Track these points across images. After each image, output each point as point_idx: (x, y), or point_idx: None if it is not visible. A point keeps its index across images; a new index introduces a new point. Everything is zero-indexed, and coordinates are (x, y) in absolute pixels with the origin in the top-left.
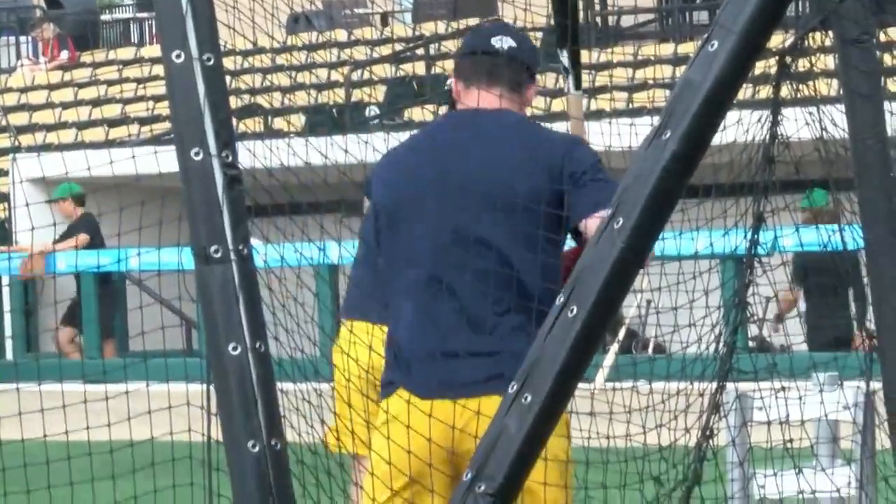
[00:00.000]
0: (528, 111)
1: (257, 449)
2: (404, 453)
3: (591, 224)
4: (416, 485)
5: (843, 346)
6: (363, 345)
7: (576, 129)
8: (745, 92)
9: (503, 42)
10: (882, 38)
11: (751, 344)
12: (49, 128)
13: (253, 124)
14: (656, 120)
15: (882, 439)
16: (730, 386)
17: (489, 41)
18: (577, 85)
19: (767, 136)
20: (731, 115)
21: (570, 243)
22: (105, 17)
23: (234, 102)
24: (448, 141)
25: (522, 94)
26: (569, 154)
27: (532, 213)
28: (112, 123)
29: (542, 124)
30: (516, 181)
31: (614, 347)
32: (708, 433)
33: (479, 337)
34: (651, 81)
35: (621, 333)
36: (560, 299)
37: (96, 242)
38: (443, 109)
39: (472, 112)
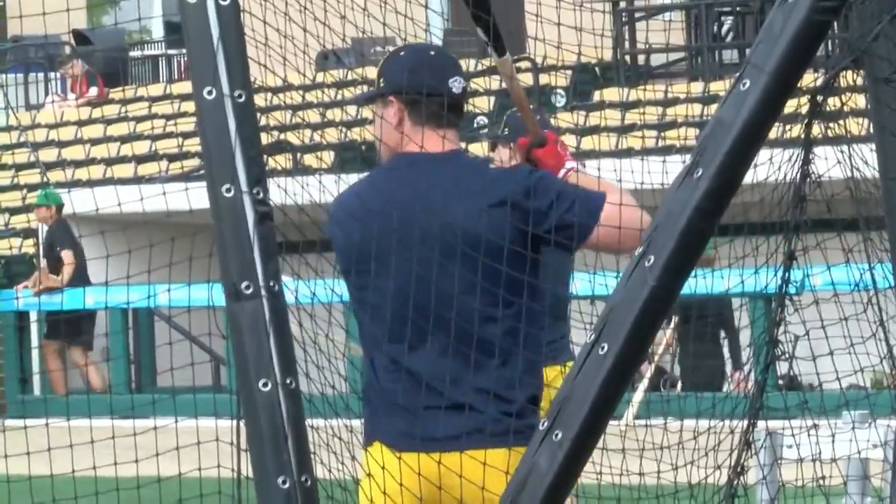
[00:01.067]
0: None
1: (287, 485)
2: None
3: (601, 233)
4: None
5: (717, 386)
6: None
7: (517, 93)
8: (776, 131)
9: (459, 84)
10: None
11: (780, 382)
12: (78, 164)
13: (283, 161)
14: (687, 158)
15: None
16: (760, 423)
17: (446, 82)
18: (501, 52)
19: (799, 175)
20: (762, 154)
21: None
22: (134, 53)
23: (264, 139)
24: (406, 189)
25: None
26: (529, 191)
27: (500, 259)
28: (141, 160)
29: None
30: (481, 229)
31: (643, 384)
32: (739, 470)
33: (451, 391)
34: (681, 120)
35: (650, 371)
36: (591, 336)
37: (77, 254)
38: (474, 146)
39: (423, 157)
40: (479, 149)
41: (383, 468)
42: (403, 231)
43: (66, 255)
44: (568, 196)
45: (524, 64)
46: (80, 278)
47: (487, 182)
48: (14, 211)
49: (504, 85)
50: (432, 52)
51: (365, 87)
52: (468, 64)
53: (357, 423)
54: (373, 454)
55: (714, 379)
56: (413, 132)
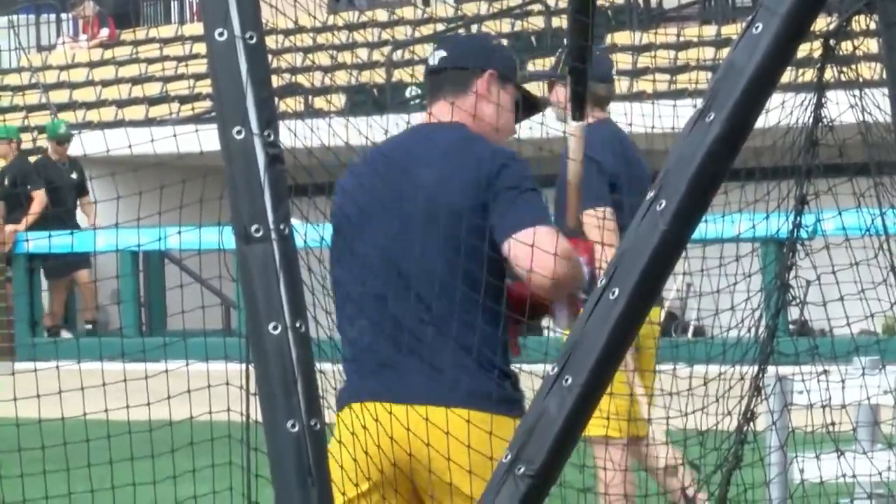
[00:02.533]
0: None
1: (297, 429)
2: (358, 459)
3: (512, 247)
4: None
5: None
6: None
7: (574, 168)
8: (788, 75)
9: (435, 57)
10: None
11: (791, 327)
12: (89, 105)
13: (294, 104)
14: (699, 102)
15: None
16: (771, 369)
17: (427, 60)
18: (579, 118)
19: (811, 119)
20: (775, 98)
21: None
22: None
23: (275, 81)
24: (396, 156)
25: (469, 92)
26: (497, 171)
27: (458, 229)
28: (153, 101)
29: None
30: (446, 197)
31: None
32: (749, 416)
33: (420, 351)
34: (693, 63)
35: (661, 316)
36: (602, 281)
37: (50, 193)
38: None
39: (423, 126)
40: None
41: (352, 433)
42: (384, 198)
43: (38, 196)
44: (513, 199)
45: (537, 6)
46: (59, 221)
47: (467, 156)
48: (25, 153)
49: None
50: None
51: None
52: (478, 7)
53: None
54: (342, 419)
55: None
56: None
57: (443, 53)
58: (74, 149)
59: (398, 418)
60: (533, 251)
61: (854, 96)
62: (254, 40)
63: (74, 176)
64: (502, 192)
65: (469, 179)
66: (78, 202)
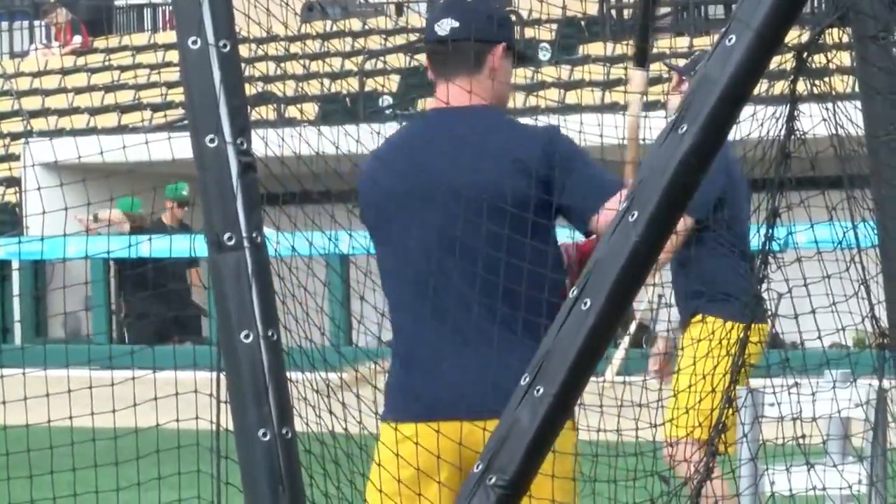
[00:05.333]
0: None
1: (268, 437)
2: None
3: (602, 218)
4: None
5: None
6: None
7: (631, 106)
8: (760, 87)
9: (444, 27)
10: None
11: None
12: (62, 112)
13: (266, 112)
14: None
15: (893, 437)
16: (742, 382)
17: (433, 29)
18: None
19: (783, 132)
20: (746, 110)
21: (579, 237)
22: (119, 2)
23: (247, 90)
24: (427, 144)
25: (483, 68)
26: (547, 151)
27: (510, 216)
28: (125, 109)
29: (518, 120)
30: (492, 184)
31: (625, 342)
32: (720, 428)
33: (471, 349)
34: (666, 75)
35: (632, 327)
36: (574, 292)
37: None
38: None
39: (447, 112)
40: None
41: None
42: (423, 188)
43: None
44: (583, 174)
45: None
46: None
47: (508, 140)
48: None
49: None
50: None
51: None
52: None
53: (333, 377)
54: (401, 430)
55: None
56: (439, 84)
57: (454, 23)
58: (45, 155)
59: (463, 437)
60: None
61: (827, 109)
62: (227, 48)
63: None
64: (568, 170)
65: (522, 162)
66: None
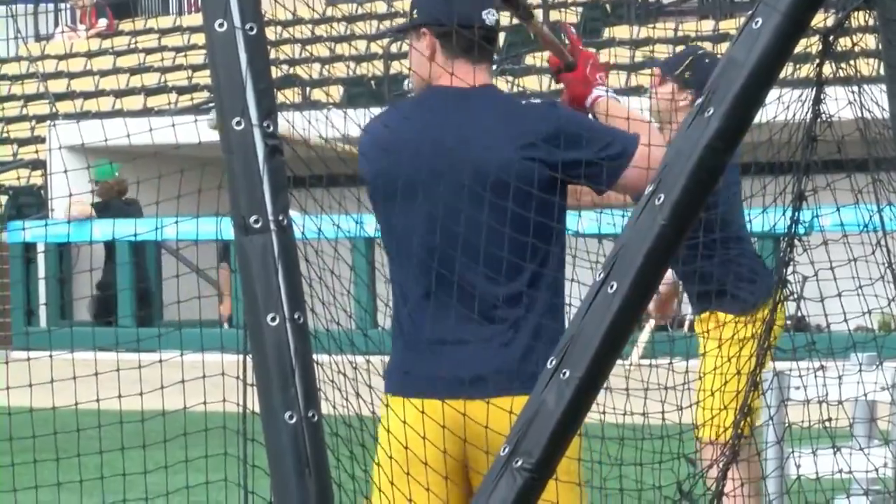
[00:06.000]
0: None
1: (294, 420)
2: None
3: (629, 175)
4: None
5: None
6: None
7: (538, 30)
8: (786, 70)
9: (493, 16)
10: None
11: (788, 322)
12: (87, 95)
13: (292, 95)
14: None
15: None
16: (768, 364)
17: (479, 14)
18: (527, 17)
19: (810, 115)
20: (772, 93)
21: None
22: None
23: (273, 73)
24: (436, 122)
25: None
26: (557, 132)
27: (527, 203)
28: (151, 92)
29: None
30: (508, 168)
31: (650, 324)
32: (746, 411)
33: (483, 326)
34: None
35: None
36: (600, 275)
37: None
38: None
39: (455, 91)
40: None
41: (404, 422)
42: (433, 164)
43: None
44: (597, 137)
45: (534, 0)
46: None
47: (516, 119)
48: (23, 142)
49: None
50: None
51: (375, 23)
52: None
53: (361, 360)
54: (393, 406)
55: None
56: (445, 64)
57: (496, 16)
58: (71, 138)
59: (469, 415)
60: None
61: (852, 92)
62: (254, 31)
63: None
64: (586, 139)
65: (526, 138)
66: None
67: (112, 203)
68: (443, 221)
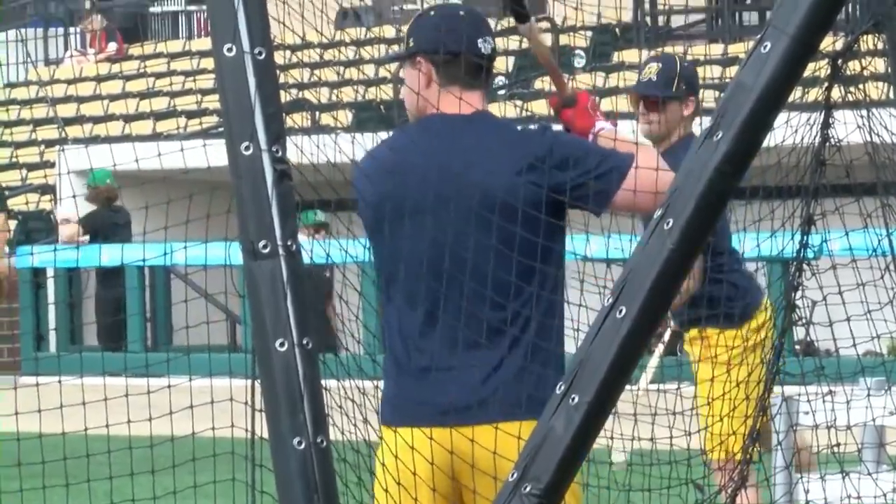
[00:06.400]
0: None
1: (303, 446)
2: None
3: (624, 197)
4: None
5: None
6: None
7: (543, 54)
8: (795, 94)
9: (488, 44)
10: None
11: (797, 347)
12: (96, 120)
13: (300, 119)
14: (706, 121)
15: None
16: (776, 389)
17: (475, 42)
18: (523, 20)
19: (818, 139)
20: (780, 117)
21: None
22: (154, 9)
23: (282, 97)
24: (440, 147)
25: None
26: (550, 153)
27: (525, 225)
28: (160, 116)
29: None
30: (507, 193)
31: (659, 349)
32: (754, 436)
33: (474, 353)
34: (701, 82)
35: (667, 335)
36: (609, 300)
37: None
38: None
39: (454, 117)
40: (497, 109)
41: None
42: (437, 189)
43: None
44: (590, 158)
45: (544, 24)
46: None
47: (514, 143)
48: (32, 167)
49: (528, 46)
50: (462, 13)
51: (383, 47)
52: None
53: (369, 385)
54: (386, 437)
55: None
56: (441, 92)
57: (492, 44)
58: (80, 162)
59: (475, 441)
60: (657, 176)
61: (861, 116)
62: (262, 56)
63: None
64: (579, 161)
65: (525, 162)
66: None
67: (98, 212)
68: (450, 246)
